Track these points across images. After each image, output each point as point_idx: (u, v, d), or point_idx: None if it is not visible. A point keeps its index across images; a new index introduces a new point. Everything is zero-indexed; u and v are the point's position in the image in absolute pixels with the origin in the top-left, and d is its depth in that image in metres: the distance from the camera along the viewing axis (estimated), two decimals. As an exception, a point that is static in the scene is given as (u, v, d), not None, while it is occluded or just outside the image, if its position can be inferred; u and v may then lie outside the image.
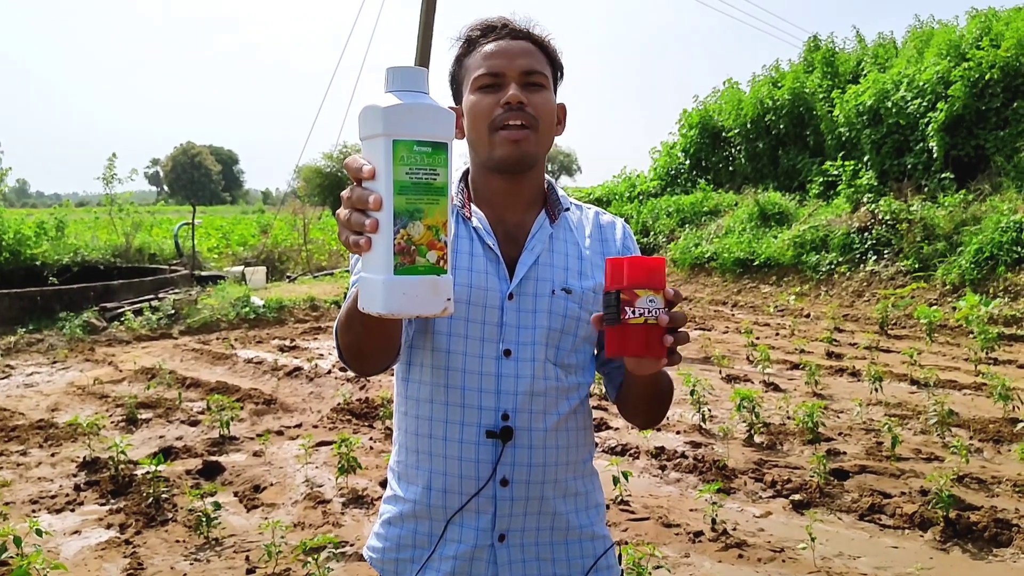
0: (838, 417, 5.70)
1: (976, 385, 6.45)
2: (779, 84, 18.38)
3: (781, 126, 17.77)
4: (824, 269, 12.53)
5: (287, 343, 8.93)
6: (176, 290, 11.33)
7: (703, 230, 15.78)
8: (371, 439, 5.28)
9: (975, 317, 8.40)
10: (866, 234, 12.55)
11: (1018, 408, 5.52)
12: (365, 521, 3.99)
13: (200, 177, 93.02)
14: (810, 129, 17.39)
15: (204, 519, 3.78)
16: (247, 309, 10.48)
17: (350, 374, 6.97)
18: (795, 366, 7.28)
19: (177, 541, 3.78)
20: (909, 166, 14.35)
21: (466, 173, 1.46)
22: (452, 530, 1.35)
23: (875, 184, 13.92)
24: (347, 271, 14.77)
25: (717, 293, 13.43)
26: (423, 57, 12.91)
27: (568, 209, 1.46)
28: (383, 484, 4.29)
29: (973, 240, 10.82)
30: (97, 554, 3.65)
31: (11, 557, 3.26)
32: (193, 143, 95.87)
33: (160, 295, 10.93)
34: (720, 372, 7.16)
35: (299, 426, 5.68)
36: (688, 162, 19.83)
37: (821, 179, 15.56)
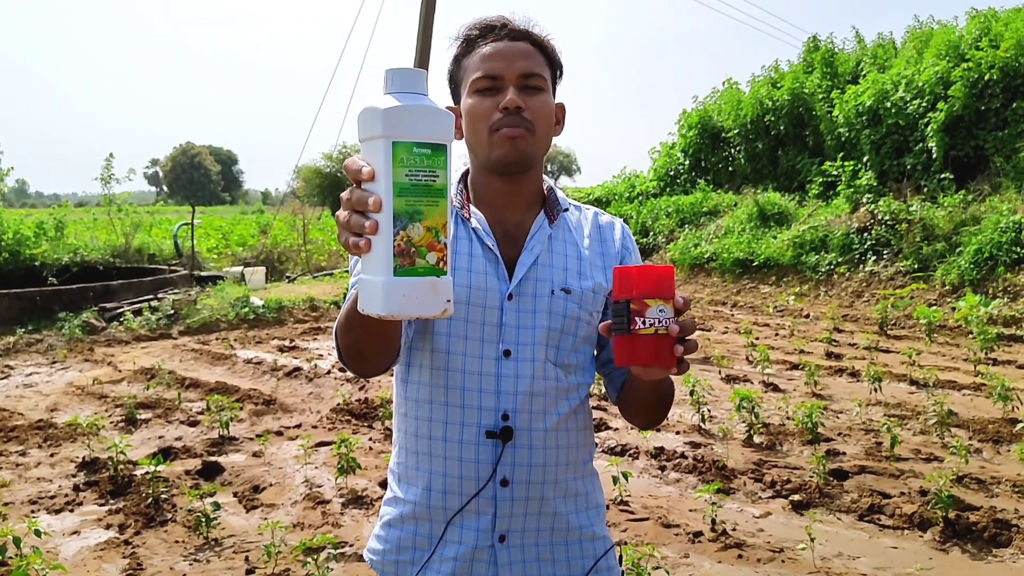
0: (837, 417, 5.70)
1: (975, 385, 6.45)
2: (778, 84, 18.38)
3: (781, 126, 17.77)
4: (823, 269, 12.54)
5: (286, 343, 8.92)
6: (175, 290, 11.33)
7: (702, 230, 15.79)
8: (371, 439, 5.28)
9: (974, 317, 8.40)
10: (865, 234, 12.55)
11: (1017, 408, 5.52)
12: (364, 521, 3.99)
13: (199, 177, 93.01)
14: (809, 129, 17.40)
15: (203, 519, 3.78)
16: (246, 309, 10.48)
17: (350, 374, 6.97)
18: (794, 366, 7.28)
19: (176, 541, 3.78)
20: (908, 166, 14.35)
21: (465, 174, 1.46)
22: (452, 531, 1.35)
23: (874, 184, 13.93)
24: (347, 271, 14.77)
25: (716, 293, 13.43)
26: (423, 57, 12.92)
27: (567, 210, 1.46)
28: (382, 484, 4.29)
29: (972, 240, 10.82)
30: (96, 554, 3.65)
31: (10, 558, 3.26)
32: (192, 143, 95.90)
33: (159, 295, 10.93)
34: (720, 372, 7.16)
35: (298, 426, 5.68)
36: (688, 162, 19.83)
37: (820, 179, 15.57)
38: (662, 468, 4.69)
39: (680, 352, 1.10)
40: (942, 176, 13.46)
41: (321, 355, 8.17)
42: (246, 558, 3.61)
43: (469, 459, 1.33)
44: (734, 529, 3.84)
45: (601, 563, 1.42)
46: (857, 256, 12.40)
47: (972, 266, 10.51)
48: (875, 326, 9.50)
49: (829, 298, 11.85)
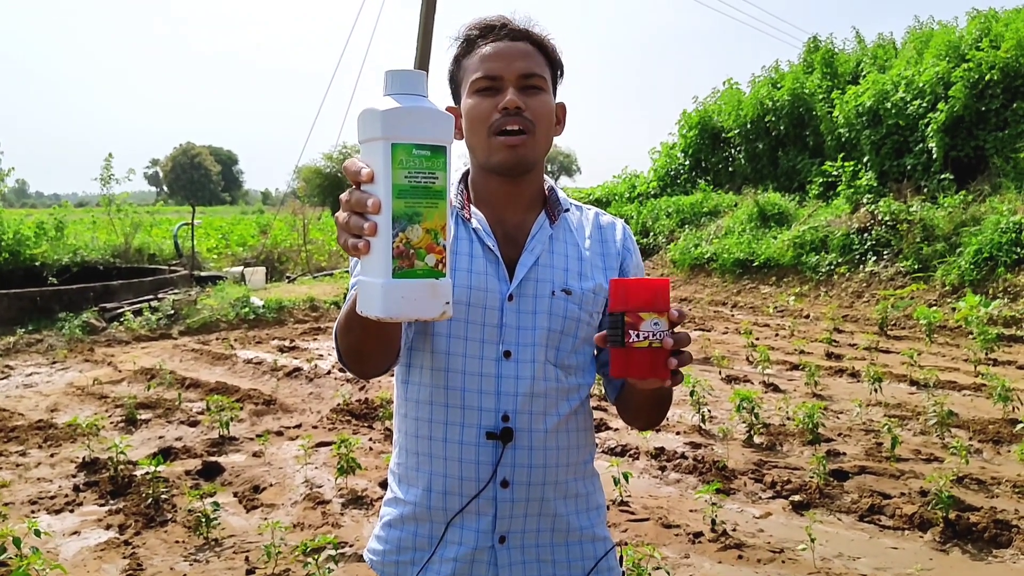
0: (838, 418, 5.70)
1: (976, 386, 6.45)
2: (779, 85, 18.38)
3: (781, 127, 17.77)
4: (824, 270, 12.53)
5: (287, 343, 8.92)
6: (175, 290, 11.33)
7: (703, 231, 15.78)
8: (371, 440, 5.28)
9: (975, 318, 8.41)
10: (866, 235, 12.55)
11: (1018, 409, 5.52)
12: (364, 522, 3.99)
13: (200, 177, 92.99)
14: (810, 130, 17.40)
15: (203, 520, 3.78)
16: (246, 309, 10.48)
17: (350, 375, 6.96)
18: (795, 367, 7.28)
19: (176, 542, 3.78)
20: (909, 167, 14.35)
21: (466, 174, 1.46)
22: (452, 532, 1.34)
23: (875, 185, 13.93)
24: (347, 271, 14.75)
25: (717, 294, 13.43)
26: (423, 58, 12.92)
27: (568, 210, 1.46)
28: (382, 485, 4.29)
29: (973, 241, 10.82)
30: (96, 555, 3.65)
31: (10, 558, 3.26)
32: (193, 143, 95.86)
33: (159, 295, 10.93)
34: (720, 373, 7.16)
35: (299, 427, 5.68)
36: (688, 163, 19.84)
37: (821, 180, 15.56)
38: (662, 468, 4.69)
39: (674, 365, 1.12)
40: (942, 176, 13.46)
41: (321, 355, 8.17)
42: (246, 558, 3.61)
43: (469, 460, 1.33)
44: (734, 529, 3.83)
45: (602, 564, 1.41)
46: (857, 256, 12.39)
47: (972, 266, 10.50)
48: (875, 326, 9.50)
49: (829, 298, 11.84)
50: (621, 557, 1.52)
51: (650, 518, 3.98)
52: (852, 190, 13.62)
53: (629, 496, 4.22)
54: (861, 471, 4.54)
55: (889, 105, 14.66)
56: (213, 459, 4.89)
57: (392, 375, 1.43)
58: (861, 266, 12.21)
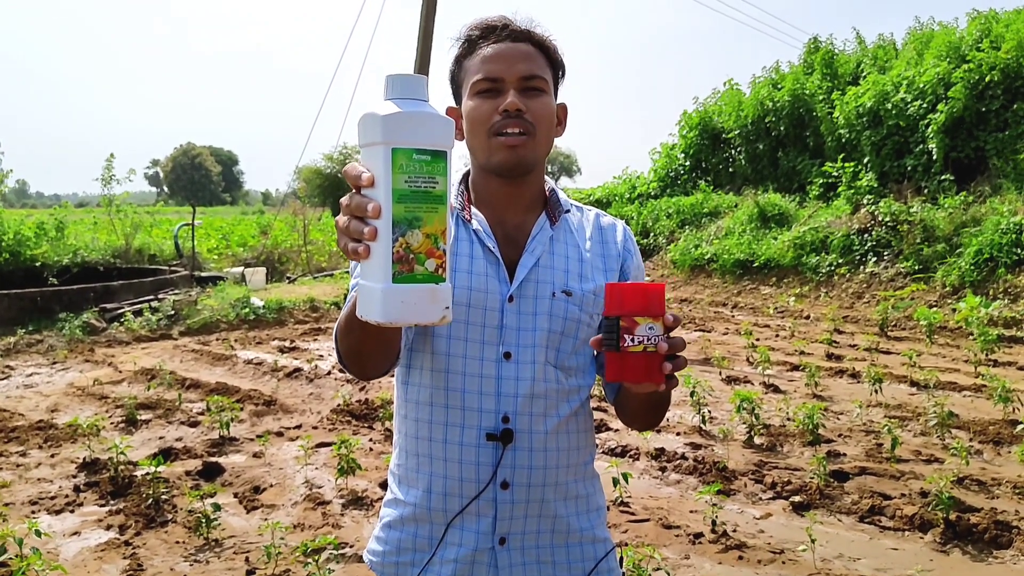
0: (838, 419, 5.70)
1: (976, 387, 6.45)
2: (779, 86, 18.38)
3: (781, 127, 17.78)
4: (824, 270, 12.53)
5: (287, 344, 8.93)
6: (176, 291, 11.33)
7: (703, 231, 15.79)
8: (371, 440, 5.28)
9: (975, 319, 8.40)
10: (866, 236, 12.55)
11: (1018, 410, 5.52)
12: (365, 522, 3.99)
13: (200, 178, 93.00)
14: (810, 131, 17.40)
15: (204, 520, 3.78)
16: (247, 310, 10.48)
17: (350, 376, 6.96)
18: (795, 367, 7.28)
19: (177, 542, 3.78)
20: (909, 168, 14.35)
21: (466, 175, 1.46)
22: (452, 533, 1.35)
23: (875, 186, 13.92)
24: (347, 272, 14.75)
25: (717, 294, 13.43)
26: (423, 59, 12.93)
27: (568, 211, 1.46)
28: (383, 485, 4.30)
29: (973, 242, 10.82)
30: (96, 555, 3.65)
31: (11, 558, 3.26)
32: (193, 144, 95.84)
33: (160, 296, 10.93)
34: (720, 373, 7.16)
35: (299, 427, 5.68)
36: (688, 163, 19.84)
37: (821, 180, 15.56)
38: (663, 469, 4.69)
39: (668, 369, 1.12)
40: (942, 177, 13.46)
41: (321, 356, 8.17)
42: (246, 559, 3.61)
43: (469, 461, 1.33)
44: (735, 530, 3.84)
45: (602, 565, 1.41)
46: (857, 257, 12.39)
47: (972, 267, 10.50)
48: (875, 327, 9.50)
49: (829, 299, 11.84)
50: (621, 558, 1.53)
51: (650, 519, 3.98)
52: (852, 191, 13.63)
53: (629, 497, 4.22)
54: (861, 472, 4.54)
55: (889, 106, 14.66)
56: (213, 460, 4.89)
57: (392, 376, 1.43)
58: (861, 267, 12.21)
